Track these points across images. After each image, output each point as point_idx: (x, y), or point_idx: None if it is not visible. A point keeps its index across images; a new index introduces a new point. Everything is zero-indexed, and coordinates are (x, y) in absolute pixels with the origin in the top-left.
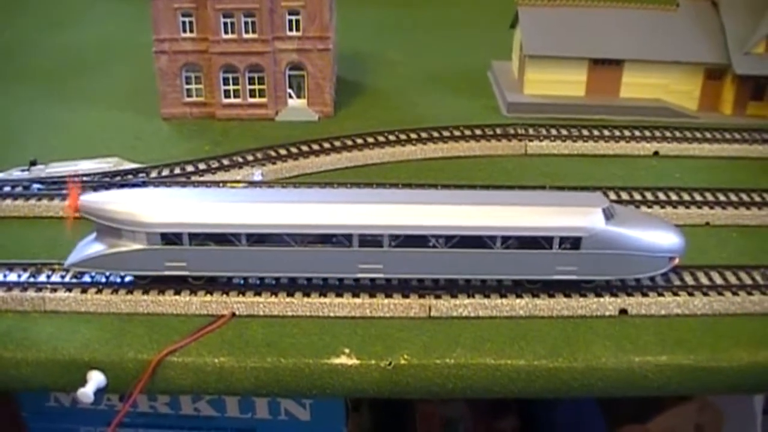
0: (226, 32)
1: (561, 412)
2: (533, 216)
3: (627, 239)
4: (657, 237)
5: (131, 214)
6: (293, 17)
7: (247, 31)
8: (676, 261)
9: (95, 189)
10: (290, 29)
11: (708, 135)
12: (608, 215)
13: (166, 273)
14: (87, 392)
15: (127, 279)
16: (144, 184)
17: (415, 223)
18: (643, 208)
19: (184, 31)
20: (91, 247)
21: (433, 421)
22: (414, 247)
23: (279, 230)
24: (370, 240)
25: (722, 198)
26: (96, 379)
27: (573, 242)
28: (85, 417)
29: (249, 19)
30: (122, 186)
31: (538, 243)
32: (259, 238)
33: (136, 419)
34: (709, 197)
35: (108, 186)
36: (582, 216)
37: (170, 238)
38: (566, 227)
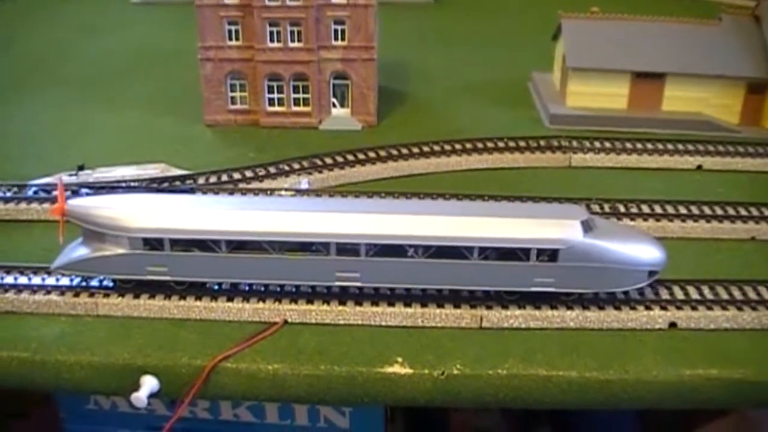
0: (271, 41)
1: (595, 423)
2: (511, 227)
3: (605, 252)
4: (636, 250)
5: (115, 218)
6: (338, 27)
7: (292, 40)
8: (657, 275)
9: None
10: (335, 39)
11: (750, 149)
12: (587, 228)
13: (148, 277)
14: (141, 397)
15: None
16: (192, 191)
17: (391, 232)
18: (689, 223)
19: (230, 39)
20: (76, 251)
21: (467, 430)
22: (391, 257)
23: (258, 237)
24: (347, 249)
25: (767, 213)
26: (149, 383)
27: (550, 254)
28: (123, 420)
29: (295, 28)
30: (172, 192)
31: (515, 254)
32: (238, 245)
33: (175, 424)
34: (754, 212)
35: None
36: (560, 228)
37: (152, 243)
38: (544, 239)
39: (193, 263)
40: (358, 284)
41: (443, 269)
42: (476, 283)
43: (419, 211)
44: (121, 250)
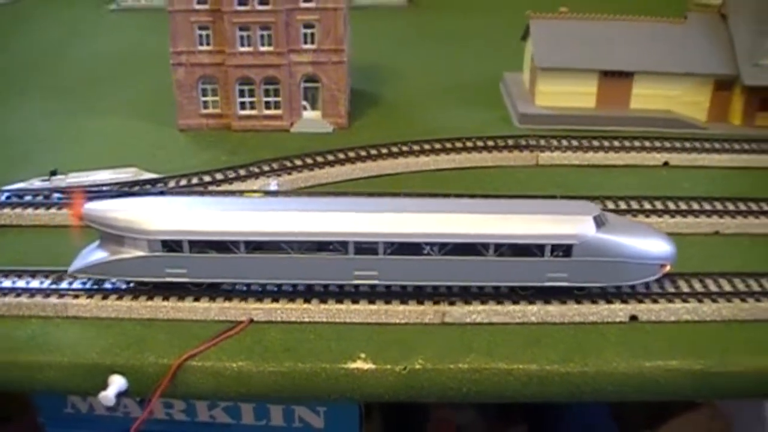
0: (242, 45)
1: (571, 419)
2: (525, 224)
3: (617, 247)
4: (647, 244)
5: (133, 221)
6: (308, 30)
7: (263, 44)
8: (667, 268)
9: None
10: (305, 42)
11: (717, 145)
12: (599, 223)
13: (167, 279)
14: (108, 396)
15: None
16: (162, 194)
17: (409, 231)
18: (654, 218)
19: (201, 44)
20: (94, 254)
21: (445, 428)
22: (408, 255)
23: (276, 238)
24: (365, 247)
25: (731, 207)
26: (117, 382)
27: (564, 250)
28: (102, 423)
29: (265, 32)
30: (122, 195)
31: (530, 250)
32: (257, 246)
33: (152, 426)
34: (719, 206)
35: (119, 195)
36: (573, 224)
37: (171, 246)
38: (557, 235)
39: (212, 264)
40: (376, 282)
41: (459, 266)
42: (491, 278)
43: (435, 209)
44: (139, 253)
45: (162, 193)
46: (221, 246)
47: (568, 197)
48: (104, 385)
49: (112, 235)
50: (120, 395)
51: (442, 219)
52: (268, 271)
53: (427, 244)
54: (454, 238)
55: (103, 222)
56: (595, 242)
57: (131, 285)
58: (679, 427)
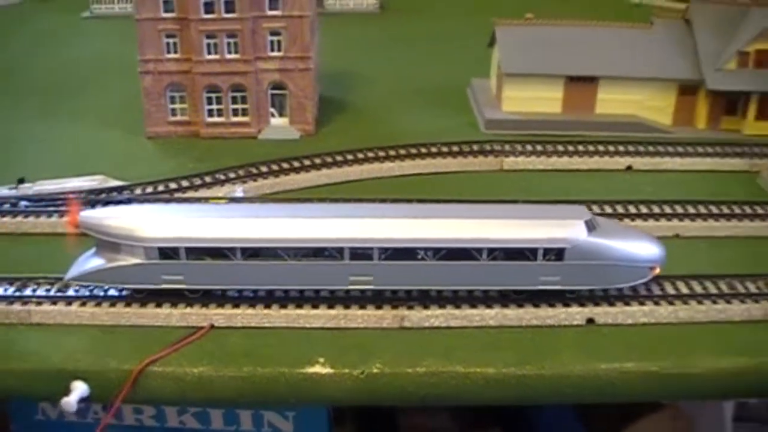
0: (209, 53)
1: (543, 423)
2: (518, 228)
3: (609, 250)
4: (638, 247)
5: (130, 229)
6: (275, 38)
7: (229, 52)
8: (657, 271)
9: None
10: (272, 50)
11: (681, 149)
12: (590, 227)
13: (164, 286)
14: (71, 401)
15: (111, 292)
16: (129, 201)
17: (404, 236)
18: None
19: (169, 51)
20: (90, 262)
21: None
22: (403, 260)
23: (273, 245)
24: (360, 253)
25: (692, 210)
26: (79, 388)
27: (557, 253)
28: (72, 430)
29: (231, 40)
30: (108, 203)
31: (523, 254)
32: (253, 252)
33: None
34: (679, 209)
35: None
36: (565, 228)
37: (167, 253)
38: (550, 239)
39: (209, 271)
40: (371, 287)
41: (453, 270)
42: (485, 283)
43: (429, 215)
44: (136, 260)
45: (129, 201)
46: (218, 253)
47: (530, 202)
48: (67, 391)
49: (108, 243)
50: (82, 401)
51: (436, 224)
52: (264, 277)
53: (421, 249)
54: (449, 243)
55: (100, 229)
56: (586, 246)
57: (93, 292)
58: (644, 428)
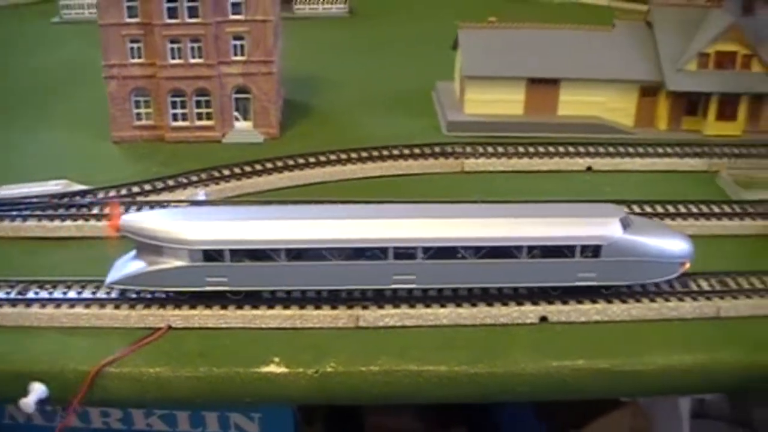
0: (173, 57)
1: (505, 422)
2: (556, 227)
3: (643, 247)
4: (669, 244)
5: (173, 232)
6: (238, 42)
7: (193, 56)
8: (687, 266)
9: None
10: (235, 54)
11: (641, 150)
12: (625, 225)
13: (207, 289)
14: (28, 402)
15: (70, 294)
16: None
17: (446, 235)
18: None
19: (133, 56)
20: (131, 265)
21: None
22: (445, 259)
23: (318, 245)
24: (404, 253)
25: (649, 210)
26: (37, 390)
27: (593, 250)
28: None
29: (195, 45)
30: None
31: (561, 252)
32: (297, 254)
33: None
34: (636, 209)
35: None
36: (601, 226)
37: (212, 255)
38: (587, 236)
39: (253, 273)
40: (414, 286)
41: (493, 268)
42: (524, 280)
43: (469, 214)
44: (180, 263)
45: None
46: (262, 254)
47: (488, 202)
48: (25, 393)
49: (149, 246)
50: (41, 402)
51: (477, 224)
52: (307, 278)
53: (462, 248)
54: (490, 242)
55: (142, 233)
56: (622, 243)
57: (53, 294)
58: (604, 425)
